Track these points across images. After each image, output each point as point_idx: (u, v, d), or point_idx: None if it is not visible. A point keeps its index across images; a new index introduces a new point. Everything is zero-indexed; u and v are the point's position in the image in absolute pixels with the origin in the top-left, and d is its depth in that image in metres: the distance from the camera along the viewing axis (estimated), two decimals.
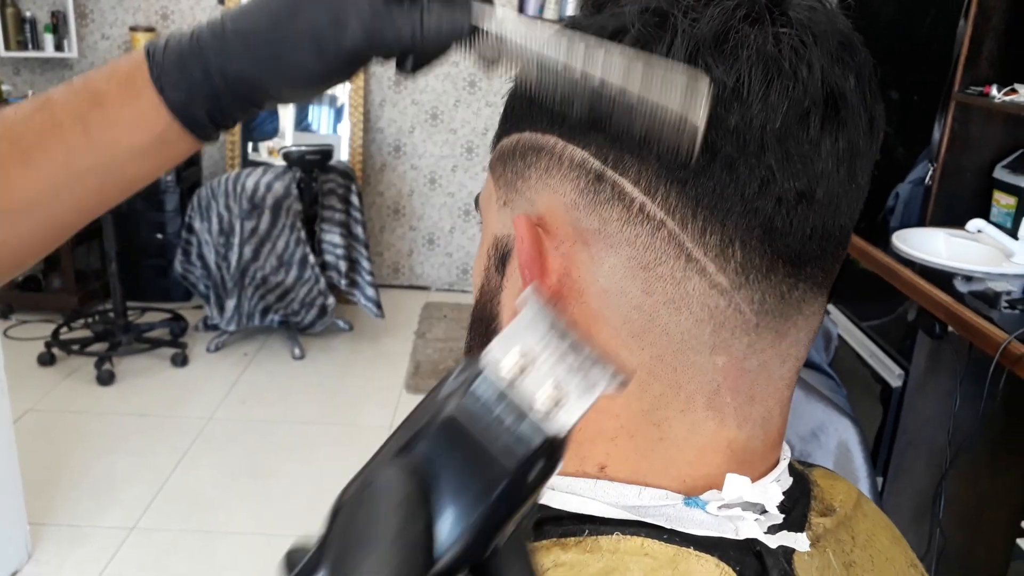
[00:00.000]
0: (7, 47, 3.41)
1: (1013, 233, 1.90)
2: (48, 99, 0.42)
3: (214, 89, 0.40)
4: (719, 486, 0.36)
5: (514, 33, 0.36)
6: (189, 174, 3.66)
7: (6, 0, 3.39)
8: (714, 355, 0.35)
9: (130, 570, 2.04)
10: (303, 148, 3.15)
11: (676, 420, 0.36)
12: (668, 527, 0.35)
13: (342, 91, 3.69)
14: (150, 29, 3.53)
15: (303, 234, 3.09)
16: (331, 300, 3.20)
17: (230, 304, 3.11)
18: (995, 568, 1.51)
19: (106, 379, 2.93)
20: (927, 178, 2.15)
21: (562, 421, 0.27)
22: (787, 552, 0.36)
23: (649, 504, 0.36)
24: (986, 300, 1.71)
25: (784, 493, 0.38)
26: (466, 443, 0.27)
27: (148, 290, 3.60)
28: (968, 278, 1.85)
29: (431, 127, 3.80)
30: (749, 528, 0.35)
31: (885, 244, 2.01)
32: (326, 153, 3.16)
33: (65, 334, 3.18)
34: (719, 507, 0.35)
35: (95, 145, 0.42)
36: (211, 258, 3.17)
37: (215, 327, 3.29)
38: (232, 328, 3.14)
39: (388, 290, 3.98)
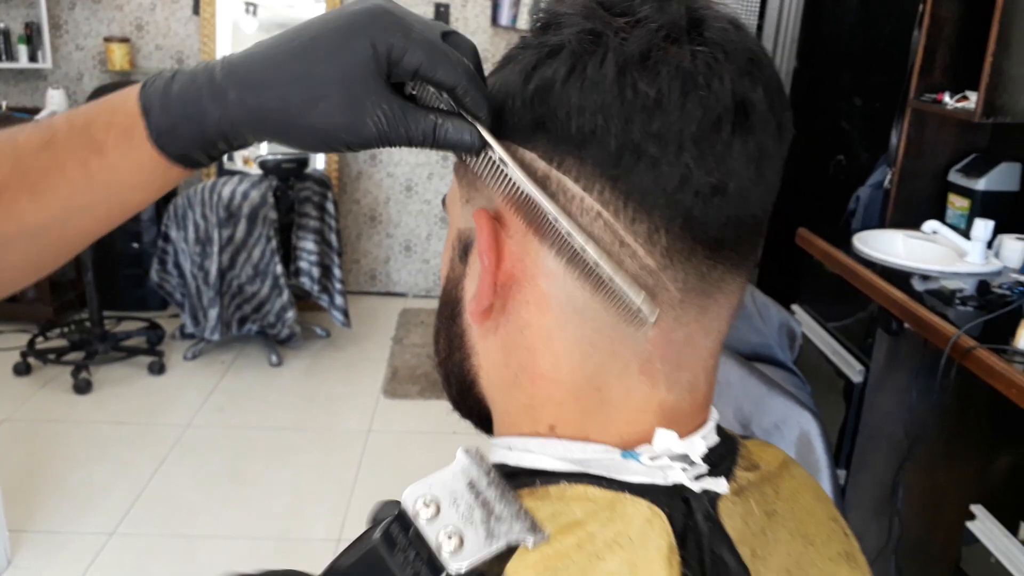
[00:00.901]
0: None
1: (966, 234, 1.98)
2: (53, 136, 0.44)
3: (216, 143, 0.43)
4: (652, 441, 0.41)
5: (512, 168, 0.40)
6: None
7: None
8: (650, 332, 0.41)
9: (110, 575, 2.05)
10: (279, 157, 3.18)
11: (614, 385, 0.41)
12: (607, 476, 0.40)
13: None
14: (124, 39, 3.54)
15: (276, 244, 3.11)
16: (291, 315, 3.21)
17: (213, 313, 3.12)
18: (951, 554, 1.57)
19: (83, 388, 2.93)
20: (886, 182, 2.24)
21: (462, 564, 0.35)
22: (711, 498, 0.41)
23: (591, 457, 0.41)
24: (940, 298, 1.78)
25: (711, 450, 0.43)
26: (382, 570, 0.34)
27: (124, 299, 3.60)
28: (924, 277, 1.92)
29: None
30: (676, 475, 0.40)
31: (847, 246, 2.08)
32: (302, 161, 3.20)
33: (41, 344, 3.18)
34: (651, 458, 0.41)
35: (98, 185, 0.44)
36: (187, 267, 3.19)
37: (191, 335, 3.30)
38: (216, 337, 3.15)
39: (365, 297, 4.02)
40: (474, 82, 0.41)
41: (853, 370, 2.02)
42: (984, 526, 1.41)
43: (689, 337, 0.41)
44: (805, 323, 2.33)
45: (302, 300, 3.48)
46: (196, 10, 3.58)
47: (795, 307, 2.38)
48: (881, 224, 2.27)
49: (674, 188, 0.38)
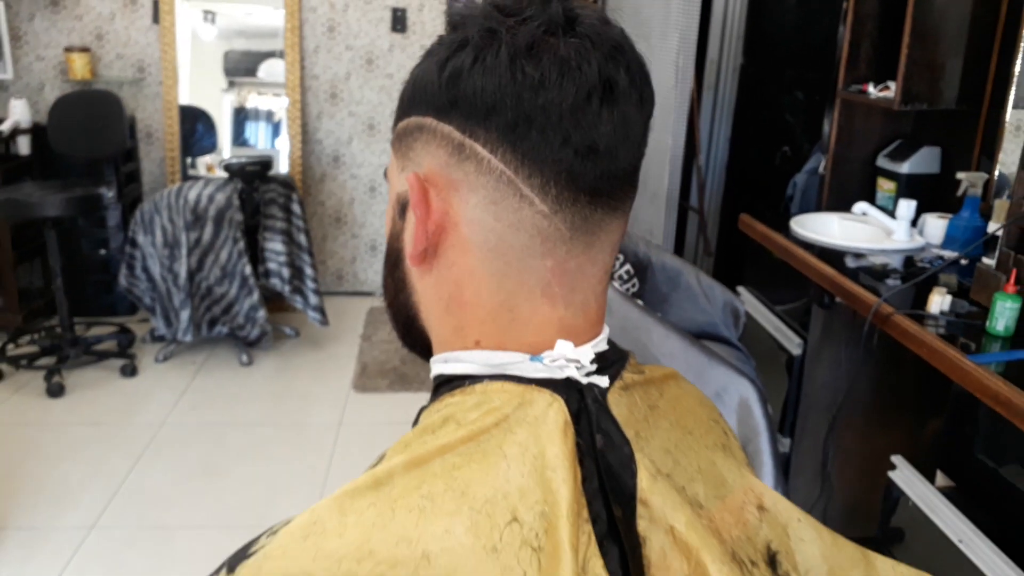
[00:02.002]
0: None
1: (894, 214, 2.13)
2: None
3: None
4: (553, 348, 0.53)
5: None
6: (130, 190, 3.72)
7: None
8: (544, 260, 0.52)
9: (92, 566, 2.12)
10: (243, 160, 3.26)
11: (523, 306, 0.53)
12: (519, 375, 0.52)
13: (279, 107, 3.80)
14: (85, 49, 3.59)
15: (244, 245, 3.19)
16: (261, 315, 3.29)
17: (184, 315, 3.19)
18: (878, 509, 1.71)
19: (56, 391, 2.98)
20: (820, 168, 2.38)
21: None
22: (602, 391, 0.53)
23: (507, 361, 0.52)
24: (871, 273, 1.92)
25: (601, 356, 0.55)
26: None
27: (93, 305, 3.64)
28: (856, 255, 2.06)
29: (368, 137, 3.94)
30: (569, 372, 0.52)
31: (786, 229, 2.22)
32: (266, 164, 3.27)
33: (12, 351, 3.22)
34: (552, 361, 0.52)
35: None
36: (156, 270, 3.25)
37: (162, 338, 3.36)
38: (188, 339, 3.22)
39: (333, 297, 4.10)
40: None
41: (792, 344, 2.16)
42: (903, 475, 1.54)
43: (580, 267, 0.53)
44: (750, 303, 2.47)
45: (272, 301, 3.55)
46: (156, 19, 3.64)
47: (740, 288, 2.52)
48: (818, 208, 2.41)
49: (558, 149, 0.49)
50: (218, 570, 0.47)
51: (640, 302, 1.79)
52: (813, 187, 2.43)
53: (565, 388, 0.51)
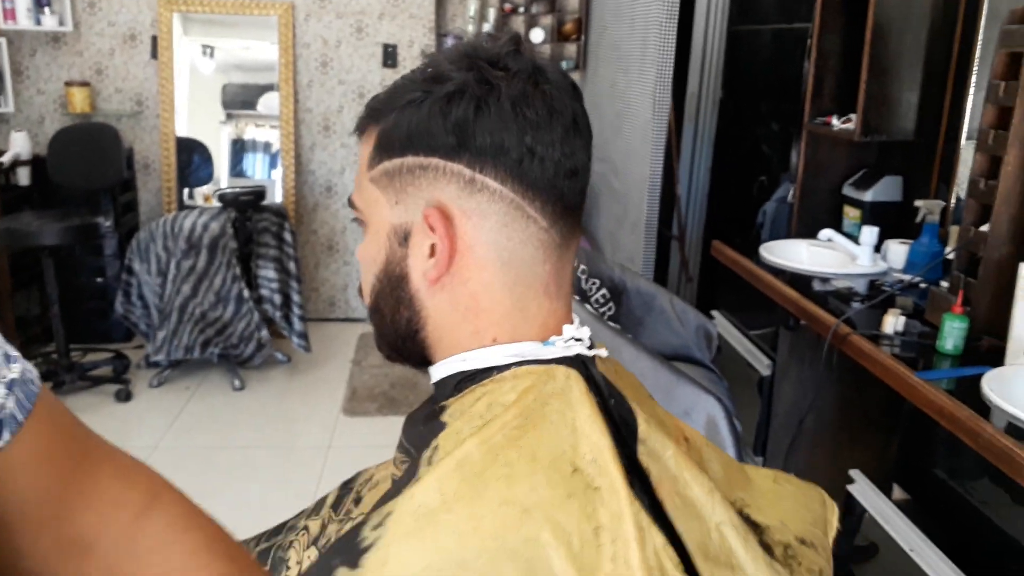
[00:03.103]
0: None
1: (858, 240, 2.23)
2: None
3: None
4: (557, 333, 0.65)
5: None
6: (127, 219, 3.81)
7: None
8: (544, 265, 0.64)
9: None
10: (237, 189, 3.36)
11: (531, 305, 0.64)
12: (538, 358, 0.63)
13: (276, 138, 3.91)
14: (85, 84, 3.70)
15: (239, 271, 3.28)
16: (264, 333, 3.38)
17: (160, 335, 3.27)
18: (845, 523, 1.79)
19: None
20: (789, 196, 2.49)
21: None
22: (592, 361, 0.65)
23: (525, 350, 0.63)
24: (836, 297, 2.01)
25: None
26: None
27: (89, 332, 3.71)
28: (823, 279, 2.16)
29: None
30: (578, 348, 0.64)
31: (756, 255, 2.32)
32: (259, 193, 3.38)
33: None
34: (564, 342, 0.64)
35: None
36: (151, 297, 3.33)
37: (156, 364, 3.43)
38: (161, 357, 3.29)
39: (325, 323, 4.18)
40: None
41: (762, 365, 2.25)
42: (861, 488, 1.62)
43: (564, 267, 0.66)
44: (723, 326, 2.56)
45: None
46: (154, 55, 3.76)
47: (715, 312, 2.61)
48: (787, 235, 2.52)
49: (552, 176, 0.62)
50: (333, 565, 0.52)
51: (613, 324, 1.88)
52: (783, 215, 2.53)
53: (574, 363, 0.64)
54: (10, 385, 0.42)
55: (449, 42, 3.77)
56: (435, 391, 0.69)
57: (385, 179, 0.65)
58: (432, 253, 0.63)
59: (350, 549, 0.53)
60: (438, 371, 0.68)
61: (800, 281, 2.11)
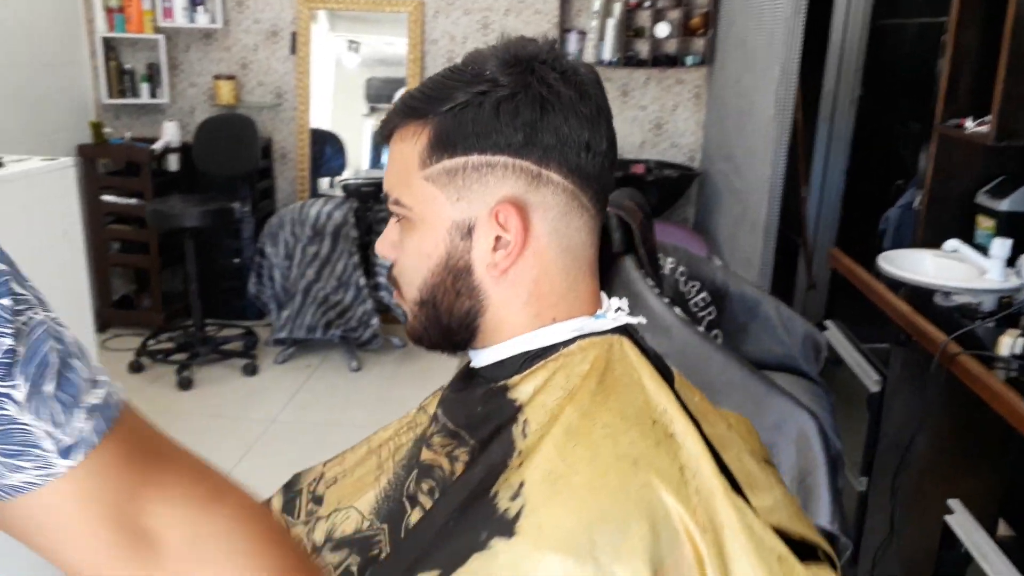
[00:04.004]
0: (110, 95, 3.91)
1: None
2: None
3: None
4: (598, 306, 0.72)
5: None
6: (264, 205, 4.06)
7: (110, 55, 3.89)
8: (591, 248, 0.70)
9: None
10: (360, 180, 3.51)
11: (580, 284, 0.70)
12: (594, 330, 0.69)
13: None
14: (231, 77, 3.97)
15: (358, 258, 3.42)
16: (376, 320, 3.52)
17: (284, 314, 3.47)
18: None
19: (185, 385, 3.31)
20: (915, 203, 2.32)
21: None
22: (635, 328, 0.73)
23: (583, 324, 0.69)
24: (959, 312, 1.87)
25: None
26: None
27: (225, 309, 3.98)
28: (946, 293, 2.01)
29: None
30: (624, 319, 0.71)
31: (873, 264, 2.18)
32: (379, 185, 3.50)
33: (152, 346, 3.59)
34: (614, 313, 0.71)
35: None
36: (280, 280, 3.54)
37: (282, 341, 3.64)
38: (284, 335, 3.49)
39: None
40: None
41: (871, 380, 2.12)
42: (960, 520, 1.50)
43: (597, 248, 0.72)
44: (836, 338, 2.42)
45: (381, 313, 3.77)
46: (293, 50, 3.97)
47: (828, 322, 2.48)
48: (912, 244, 2.35)
49: (600, 166, 0.68)
50: (483, 539, 0.57)
51: (700, 329, 1.83)
52: (907, 222, 2.36)
53: (622, 331, 0.71)
54: (91, 410, 0.46)
55: (573, 37, 3.76)
56: (481, 373, 0.72)
57: (445, 177, 0.67)
58: (496, 245, 0.67)
59: (494, 522, 0.57)
60: (492, 354, 0.71)
61: (920, 294, 1.97)
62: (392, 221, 0.74)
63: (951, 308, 1.92)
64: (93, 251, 3.82)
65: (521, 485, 0.58)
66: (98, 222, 3.77)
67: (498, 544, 0.56)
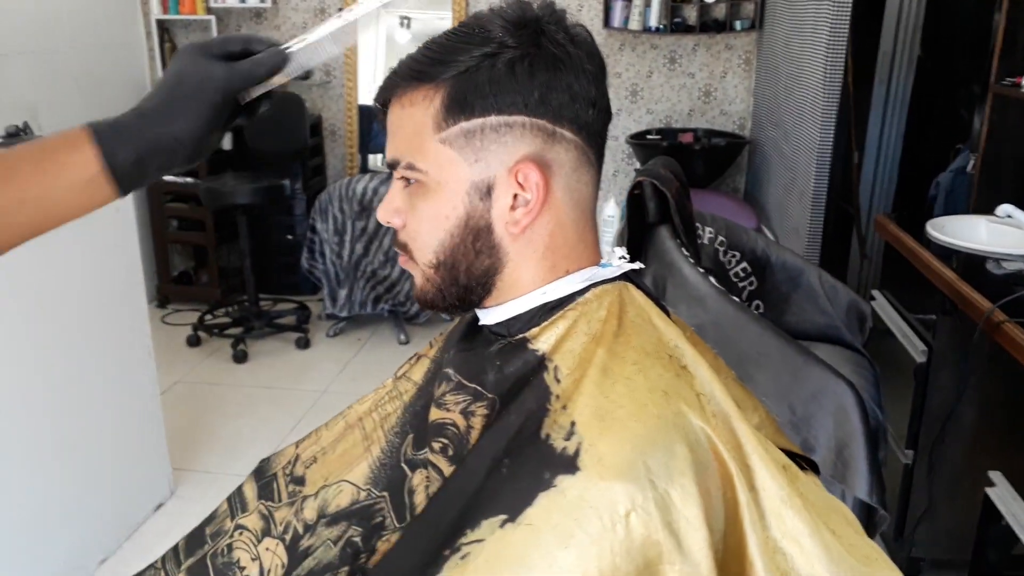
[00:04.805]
0: None
1: None
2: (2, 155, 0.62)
3: (132, 148, 0.65)
4: (599, 255, 0.75)
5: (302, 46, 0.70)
6: (315, 182, 4.13)
7: (164, 36, 3.99)
8: (594, 201, 0.74)
9: None
10: None
11: (587, 235, 0.74)
12: (604, 278, 0.73)
13: None
14: None
15: None
16: None
17: (342, 293, 3.53)
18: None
19: (240, 358, 3.41)
20: (968, 167, 2.23)
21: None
22: (638, 273, 0.77)
23: (593, 273, 0.73)
24: (1013, 280, 1.80)
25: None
26: None
27: (280, 284, 4.08)
28: (999, 260, 1.93)
29: None
30: (628, 266, 0.75)
31: (922, 232, 2.11)
32: None
33: (209, 320, 3.71)
34: (619, 260, 0.74)
35: (41, 180, 0.61)
36: (328, 254, 3.61)
37: (333, 316, 3.72)
38: (344, 314, 3.56)
39: None
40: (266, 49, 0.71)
41: (917, 351, 2.06)
42: (1001, 493, 1.46)
43: (597, 198, 0.76)
44: (883, 308, 2.36)
45: None
46: None
47: (875, 292, 2.41)
48: (966, 210, 2.26)
49: (603, 122, 0.72)
50: (546, 478, 0.60)
51: (737, 299, 1.80)
52: (960, 188, 2.28)
53: (626, 277, 0.75)
54: None
55: (619, 5, 3.70)
56: (494, 330, 0.74)
57: (463, 139, 0.67)
58: (514, 203, 0.69)
59: (554, 461, 0.61)
60: (506, 310, 0.73)
61: (971, 262, 1.90)
62: (398, 187, 0.73)
63: (1003, 276, 1.85)
64: (153, 229, 3.95)
65: (573, 424, 0.62)
66: (157, 200, 3.89)
67: (564, 481, 0.59)
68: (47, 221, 0.65)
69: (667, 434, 0.61)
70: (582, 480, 0.59)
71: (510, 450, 0.64)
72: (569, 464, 0.59)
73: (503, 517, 0.59)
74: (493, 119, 0.67)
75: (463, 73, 0.66)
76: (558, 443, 0.61)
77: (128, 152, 0.65)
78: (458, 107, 0.67)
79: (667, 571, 0.58)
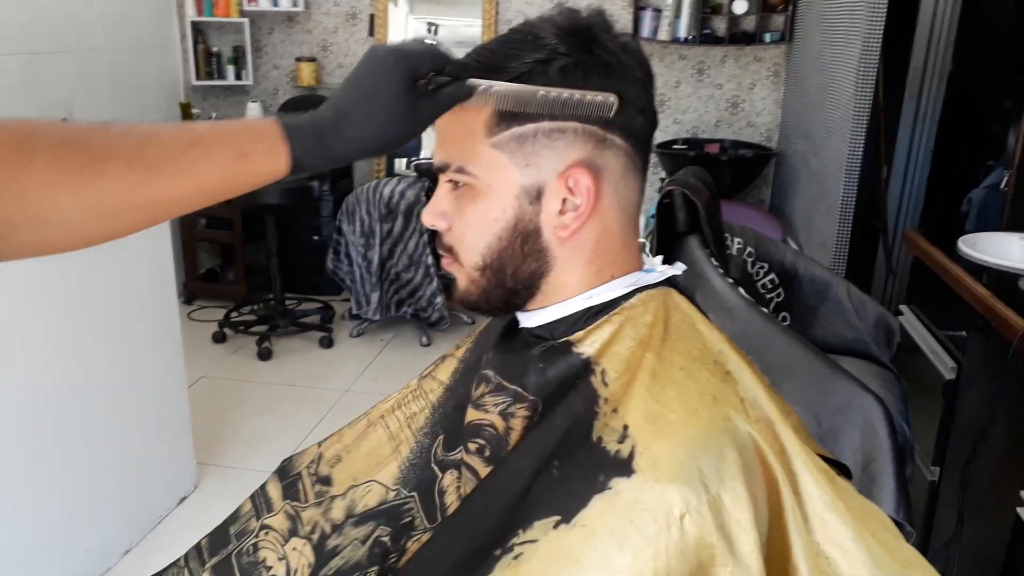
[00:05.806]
0: (198, 77, 4.07)
1: None
2: (199, 139, 0.60)
3: (321, 153, 0.64)
4: (641, 260, 0.76)
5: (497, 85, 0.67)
6: (342, 185, 4.16)
7: (198, 38, 4.04)
8: (639, 207, 0.74)
9: None
10: (431, 159, 3.55)
11: (631, 241, 0.74)
12: (648, 283, 0.73)
13: None
14: (312, 59, 4.07)
15: (428, 238, 3.48)
16: (439, 300, 3.57)
17: (374, 297, 3.56)
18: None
19: (265, 355, 3.44)
20: (1002, 184, 2.21)
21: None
22: (679, 279, 0.77)
23: (637, 279, 0.73)
24: None
25: None
26: None
27: (306, 284, 4.11)
28: None
29: None
30: (670, 271, 0.75)
31: (953, 248, 2.10)
32: None
33: (235, 317, 3.75)
34: (661, 267, 0.75)
35: (230, 178, 0.61)
36: (355, 256, 3.64)
37: (358, 316, 3.75)
38: (376, 317, 3.58)
39: None
40: (456, 63, 0.68)
41: (946, 367, 2.04)
42: None
43: (641, 204, 0.76)
44: (911, 324, 2.34)
45: (449, 290, 3.83)
46: (371, 32, 4.05)
47: (903, 307, 2.40)
48: (999, 227, 2.24)
49: (650, 128, 0.73)
50: (601, 481, 0.61)
51: (765, 310, 1.80)
52: (993, 204, 2.26)
53: (668, 282, 0.75)
54: None
55: (648, 15, 3.71)
56: (535, 333, 0.74)
57: (514, 144, 0.68)
58: (563, 208, 0.69)
59: (608, 464, 0.61)
60: (549, 313, 0.73)
61: (1004, 279, 1.89)
62: (444, 189, 0.73)
63: None
64: (182, 227, 4.00)
65: (626, 428, 0.62)
66: None
67: (619, 483, 0.59)
68: (202, 203, 0.64)
69: (717, 438, 0.61)
70: (637, 483, 0.59)
71: (559, 452, 0.64)
72: (623, 467, 0.60)
73: (556, 518, 0.60)
74: (546, 124, 0.67)
75: (516, 79, 0.67)
76: (611, 446, 0.61)
77: (313, 162, 0.65)
78: (511, 112, 0.67)
79: (719, 573, 0.59)
